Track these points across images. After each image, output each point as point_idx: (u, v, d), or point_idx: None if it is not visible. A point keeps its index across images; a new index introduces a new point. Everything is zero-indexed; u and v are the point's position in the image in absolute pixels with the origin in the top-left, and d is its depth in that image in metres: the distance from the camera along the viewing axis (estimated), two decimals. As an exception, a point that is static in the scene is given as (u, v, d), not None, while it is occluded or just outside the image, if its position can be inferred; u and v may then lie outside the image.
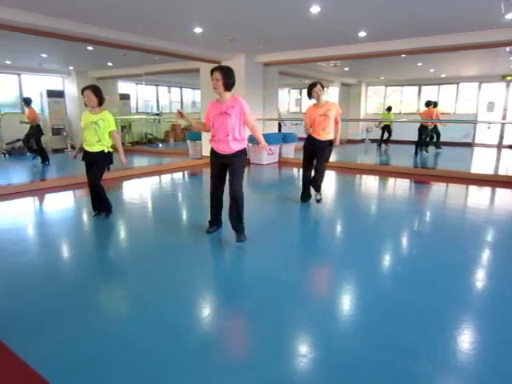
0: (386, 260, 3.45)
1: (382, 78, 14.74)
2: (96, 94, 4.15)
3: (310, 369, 1.91)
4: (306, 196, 5.26)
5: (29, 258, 3.35)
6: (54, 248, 3.68)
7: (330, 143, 4.92)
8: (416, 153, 10.77)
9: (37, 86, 11.64)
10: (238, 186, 3.55)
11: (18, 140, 10.75)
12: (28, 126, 8.96)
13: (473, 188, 6.60)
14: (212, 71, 3.42)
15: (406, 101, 15.17)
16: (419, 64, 10.60)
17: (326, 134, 4.84)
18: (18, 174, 8.36)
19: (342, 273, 3.09)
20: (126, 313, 2.50)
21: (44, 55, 9.15)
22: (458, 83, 13.96)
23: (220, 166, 3.64)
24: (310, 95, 4.87)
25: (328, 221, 4.77)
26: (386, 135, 12.73)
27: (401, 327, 2.25)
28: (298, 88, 16.24)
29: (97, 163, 4.28)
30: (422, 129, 10.76)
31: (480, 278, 3.01)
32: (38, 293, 2.70)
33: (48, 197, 5.78)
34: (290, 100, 16.74)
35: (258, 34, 6.71)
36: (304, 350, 2.07)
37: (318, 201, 5.21)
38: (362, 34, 6.56)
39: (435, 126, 11.51)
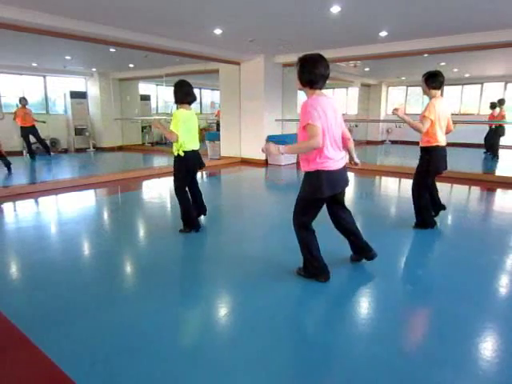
0: None
1: (404, 78, 14.49)
2: (174, 88, 3.78)
3: (332, 372, 1.89)
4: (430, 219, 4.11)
5: (50, 254, 3.45)
6: (79, 244, 3.77)
7: (425, 151, 3.91)
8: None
9: (60, 87, 11.96)
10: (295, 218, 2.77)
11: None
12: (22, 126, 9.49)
13: None
14: None
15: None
16: (442, 64, 10.35)
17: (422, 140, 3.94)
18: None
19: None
20: (148, 309, 2.53)
21: (68, 57, 9.37)
22: (482, 83, 13.58)
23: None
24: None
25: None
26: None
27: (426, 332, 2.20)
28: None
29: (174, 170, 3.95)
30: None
31: None
32: (62, 287, 2.77)
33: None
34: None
35: (277, 34, 6.70)
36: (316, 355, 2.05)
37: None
38: (383, 33, 6.46)
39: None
